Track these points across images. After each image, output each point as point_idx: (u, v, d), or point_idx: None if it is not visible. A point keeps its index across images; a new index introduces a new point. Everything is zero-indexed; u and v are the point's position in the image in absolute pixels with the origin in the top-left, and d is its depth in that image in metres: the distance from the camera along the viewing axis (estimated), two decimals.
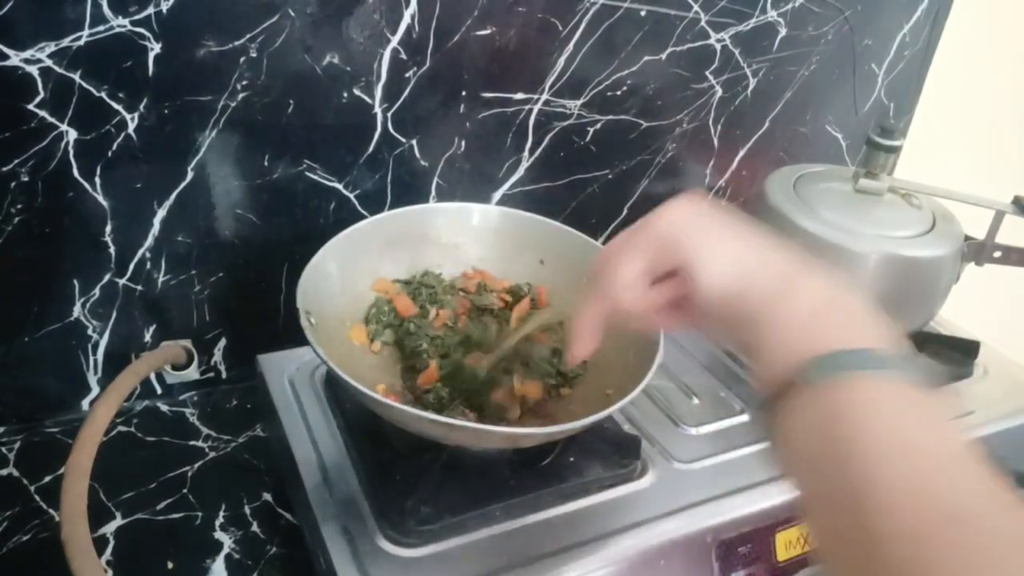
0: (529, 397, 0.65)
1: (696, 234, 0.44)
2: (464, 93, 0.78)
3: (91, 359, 0.75)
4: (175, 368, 0.77)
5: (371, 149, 0.77)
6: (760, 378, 0.40)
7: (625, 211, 0.96)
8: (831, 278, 0.42)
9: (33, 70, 0.61)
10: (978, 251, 0.78)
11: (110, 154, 0.67)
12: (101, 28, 0.62)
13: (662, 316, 0.48)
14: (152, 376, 0.78)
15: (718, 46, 0.88)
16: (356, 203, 0.79)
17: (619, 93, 0.86)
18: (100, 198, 0.68)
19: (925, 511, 0.31)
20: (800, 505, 0.37)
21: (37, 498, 0.68)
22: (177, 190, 0.71)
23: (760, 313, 0.41)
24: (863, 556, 0.32)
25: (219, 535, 0.66)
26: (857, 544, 0.32)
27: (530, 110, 0.82)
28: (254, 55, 0.67)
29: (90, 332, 0.74)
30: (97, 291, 0.72)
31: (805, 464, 0.37)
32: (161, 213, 0.71)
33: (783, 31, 0.91)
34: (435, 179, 0.82)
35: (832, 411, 0.35)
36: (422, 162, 0.80)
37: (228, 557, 0.64)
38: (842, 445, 0.34)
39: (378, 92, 0.74)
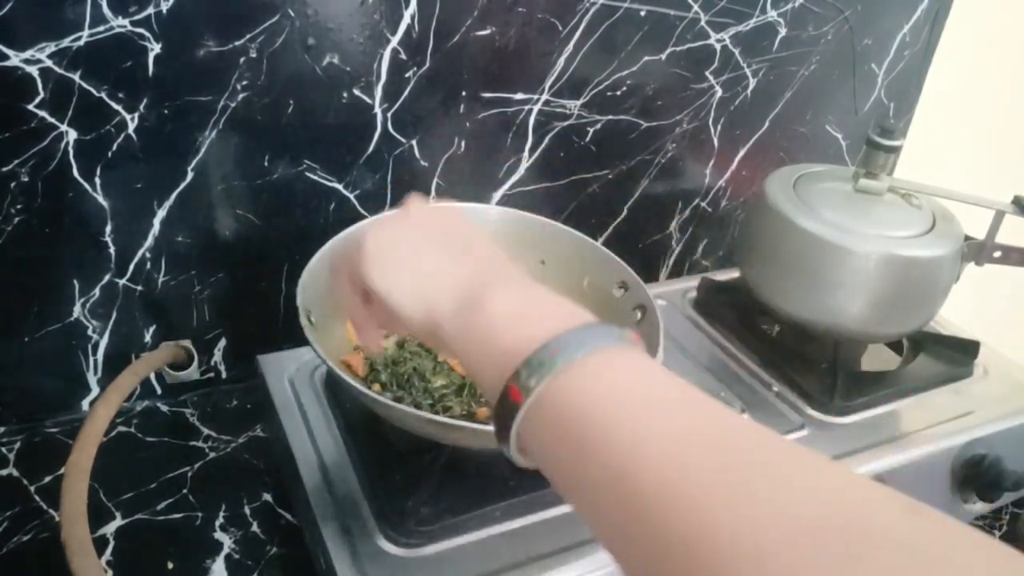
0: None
1: (380, 264, 0.44)
2: (464, 93, 0.78)
3: (91, 359, 0.75)
4: (175, 368, 0.77)
5: (371, 149, 0.77)
6: (487, 400, 0.39)
7: (625, 211, 0.96)
8: (512, 282, 0.41)
9: (33, 70, 0.61)
10: (978, 251, 0.78)
11: (110, 154, 0.67)
12: (101, 28, 0.62)
13: (387, 325, 0.49)
14: (152, 376, 0.78)
15: (718, 46, 0.88)
16: (356, 203, 0.79)
17: (619, 93, 0.86)
18: (100, 198, 0.68)
19: (702, 454, 0.30)
20: (577, 513, 0.35)
21: (37, 498, 0.68)
22: (177, 190, 0.71)
23: (459, 340, 0.40)
24: (639, 546, 0.30)
25: (219, 535, 0.66)
26: (631, 536, 0.31)
27: (530, 110, 0.82)
28: (254, 55, 0.67)
29: (90, 332, 0.74)
30: (97, 291, 0.72)
31: (557, 472, 0.35)
32: (161, 213, 0.71)
33: (783, 31, 0.91)
34: (435, 179, 0.82)
35: (565, 414, 0.33)
36: (422, 162, 0.80)
37: (228, 557, 0.64)
38: (589, 444, 0.32)
39: (378, 92, 0.74)
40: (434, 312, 0.41)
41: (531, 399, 0.34)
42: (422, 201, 0.49)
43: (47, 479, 0.69)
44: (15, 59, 0.60)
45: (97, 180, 0.67)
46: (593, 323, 0.36)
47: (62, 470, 0.57)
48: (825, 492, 0.28)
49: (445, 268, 0.43)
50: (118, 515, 0.66)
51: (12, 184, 0.64)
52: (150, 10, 0.62)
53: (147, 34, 0.63)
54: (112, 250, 0.71)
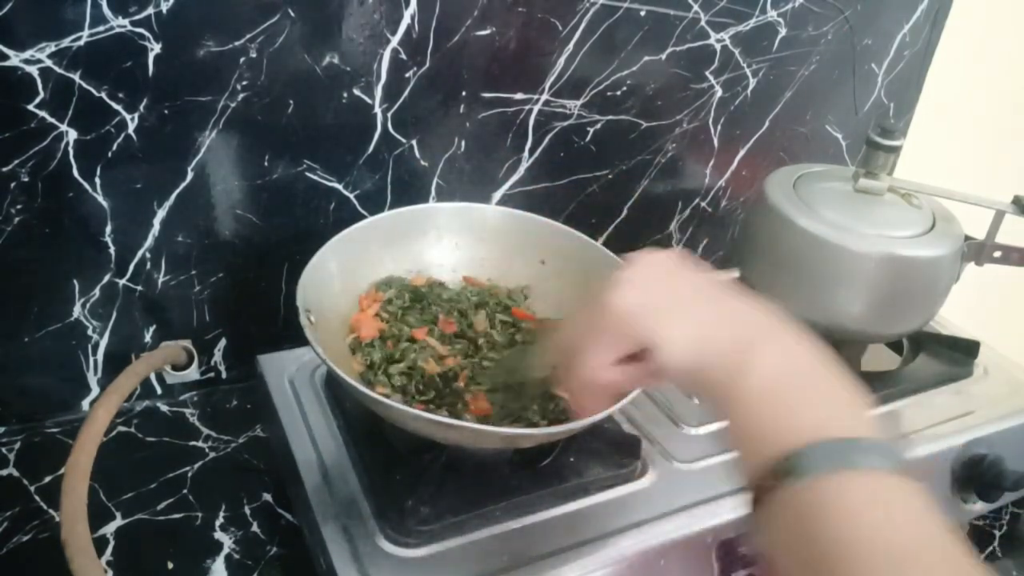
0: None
1: (651, 315, 0.43)
2: (464, 93, 0.78)
3: (91, 359, 0.75)
4: (175, 368, 0.77)
5: (371, 149, 0.77)
6: (742, 474, 0.39)
7: (625, 211, 0.96)
8: (787, 343, 0.41)
9: (33, 70, 0.61)
10: (978, 251, 0.78)
11: (110, 154, 0.67)
12: (101, 28, 0.62)
13: (642, 381, 0.48)
14: (152, 376, 0.78)
15: (718, 46, 0.88)
16: (356, 203, 0.79)
17: (619, 93, 0.86)
18: (100, 198, 0.68)
19: None
20: None
21: (37, 498, 0.68)
22: (177, 190, 0.71)
23: (724, 399, 0.39)
24: None
25: (219, 535, 0.66)
26: None
27: (530, 110, 0.82)
28: (254, 55, 0.67)
29: (90, 332, 0.74)
30: (97, 291, 0.72)
31: (787, 561, 0.35)
32: (161, 213, 0.71)
33: (783, 31, 0.91)
34: (435, 179, 0.82)
35: (810, 513, 0.34)
36: (422, 162, 0.80)
37: (228, 557, 0.64)
38: (826, 548, 0.32)
39: (378, 92, 0.74)
40: (706, 368, 0.40)
41: (785, 489, 0.35)
42: (650, 253, 0.48)
43: (47, 479, 0.69)
44: (15, 59, 0.60)
45: (97, 180, 0.67)
46: (858, 439, 0.36)
47: (62, 470, 0.57)
48: None
49: (713, 319, 0.42)
50: (118, 515, 0.66)
51: (12, 184, 0.64)
52: (150, 10, 0.62)
53: (147, 34, 0.63)
54: (112, 250, 0.71)
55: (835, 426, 0.36)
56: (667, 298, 0.44)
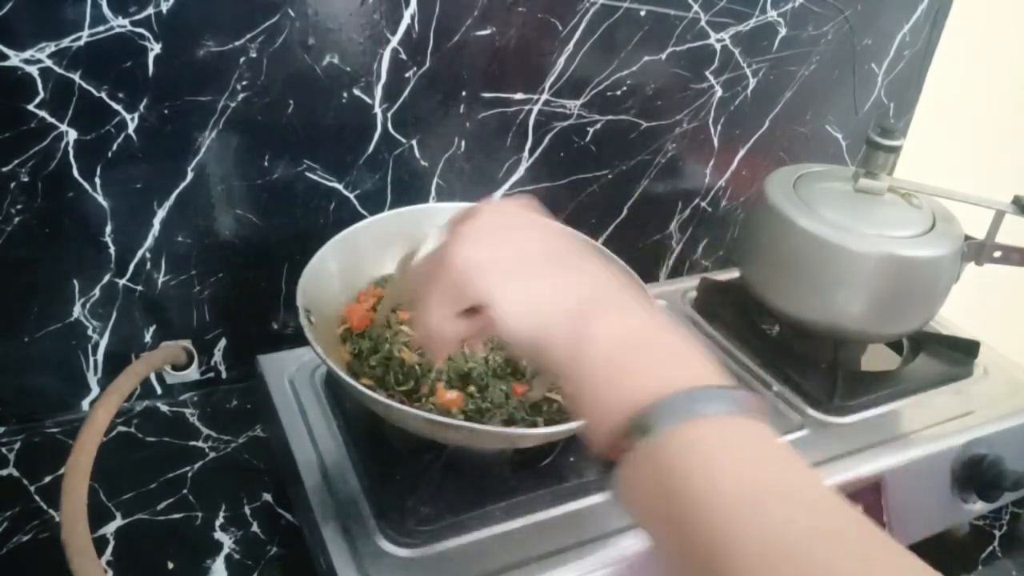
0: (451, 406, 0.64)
1: (488, 276, 0.41)
2: (464, 93, 0.78)
3: (91, 359, 0.75)
4: (175, 368, 0.77)
5: (371, 149, 0.77)
6: (589, 431, 0.38)
7: (625, 211, 0.96)
8: (627, 307, 0.40)
9: (33, 70, 0.61)
10: (978, 251, 0.78)
11: (110, 154, 0.67)
12: (101, 28, 0.62)
13: (487, 332, 0.46)
14: (152, 376, 0.78)
15: (718, 46, 0.88)
16: (356, 203, 0.79)
17: (619, 93, 0.86)
18: (100, 198, 0.68)
19: (784, 564, 0.29)
20: (655, 555, 0.35)
21: (37, 498, 0.68)
22: (177, 190, 0.71)
23: (565, 370, 0.39)
24: None
25: (219, 535, 0.66)
26: None
27: (530, 110, 0.82)
28: (254, 55, 0.67)
29: (90, 332, 0.74)
30: (97, 291, 0.72)
31: (652, 521, 0.34)
32: (161, 213, 0.71)
33: (783, 31, 0.91)
34: (435, 179, 0.82)
35: (668, 466, 0.33)
36: (422, 162, 0.80)
37: (228, 557, 0.64)
38: (687, 501, 0.32)
39: (378, 92, 0.74)
40: (545, 334, 0.39)
41: (637, 449, 0.34)
42: (495, 203, 0.46)
43: (47, 479, 0.69)
44: (15, 59, 0.60)
45: (97, 180, 0.67)
46: (701, 388, 0.35)
47: (62, 470, 0.57)
48: None
49: (551, 286, 0.41)
50: (118, 515, 0.66)
51: (12, 184, 0.64)
52: (150, 10, 0.62)
53: (147, 34, 0.63)
54: (112, 250, 0.71)
55: (679, 380, 0.35)
56: (507, 258, 0.42)
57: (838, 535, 0.31)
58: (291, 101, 0.71)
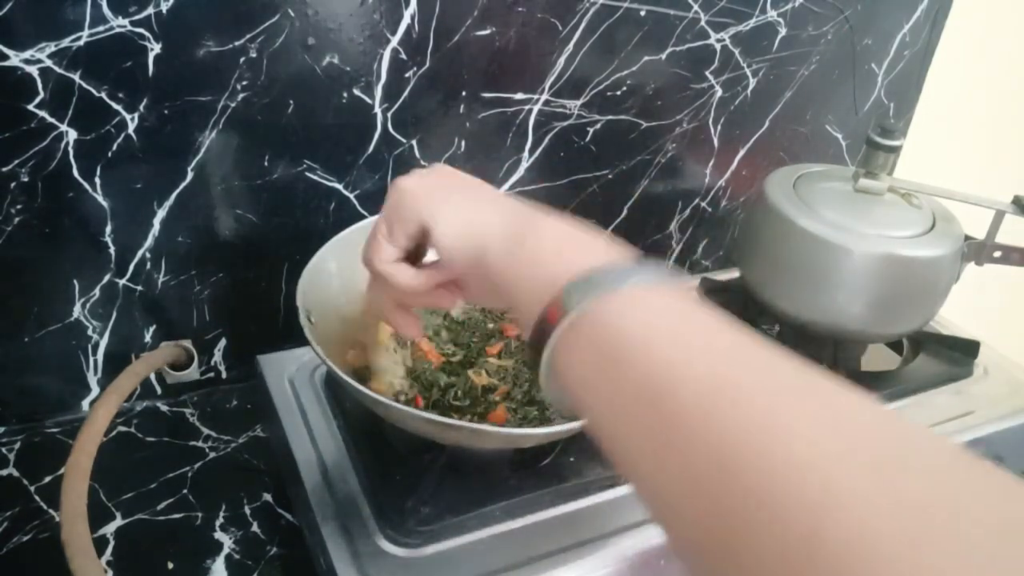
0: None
1: (427, 198, 0.45)
2: (464, 93, 0.78)
3: (91, 359, 0.75)
4: (175, 368, 0.77)
5: (371, 149, 0.77)
6: (523, 327, 0.39)
7: (625, 211, 0.96)
8: (554, 217, 0.42)
9: (33, 70, 0.61)
10: (978, 251, 0.78)
11: (110, 154, 0.67)
12: (101, 28, 0.62)
13: (438, 295, 0.49)
14: (152, 376, 0.78)
15: (718, 46, 0.88)
16: (356, 203, 0.79)
17: (619, 93, 0.86)
18: (100, 198, 0.68)
19: (737, 402, 0.28)
20: (600, 442, 0.34)
21: (37, 498, 0.68)
22: (177, 190, 0.71)
23: (505, 266, 0.40)
24: (677, 465, 0.29)
25: (219, 535, 0.66)
26: (669, 458, 0.29)
27: (530, 110, 0.82)
28: (254, 55, 0.67)
29: (90, 332, 0.74)
30: (97, 291, 0.72)
31: (589, 392, 0.34)
32: (161, 213, 0.71)
33: (783, 31, 0.91)
34: None
35: (605, 333, 0.33)
36: (422, 162, 0.80)
37: (228, 557, 0.64)
38: (624, 356, 0.32)
39: (378, 92, 0.74)
40: (483, 245, 0.42)
41: (568, 319, 0.34)
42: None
43: (47, 479, 0.69)
44: (15, 59, 0.60)
45: (97, 180, 0.67)
46: (641, 259, 0.36)
47: (62, 470, 0.57)
48: (891, 439, 0.26)
49: (491, 206, 0.44)
50: (118, 515, 0.66)
51: (12, 184, 0.64)
52: (150, 10, 0.62)
53: (147, 34, 0.63)
54: (112, 250, 0.71)
55: (607, 259, 0.36)
56: (443, 185, 0.47)
57: (775, 366, 0.30)
58: (291, 101, 0.71)
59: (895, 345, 0.89)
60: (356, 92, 0.73)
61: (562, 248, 0.39)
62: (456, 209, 0.45)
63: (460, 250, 0.43)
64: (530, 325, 0.37)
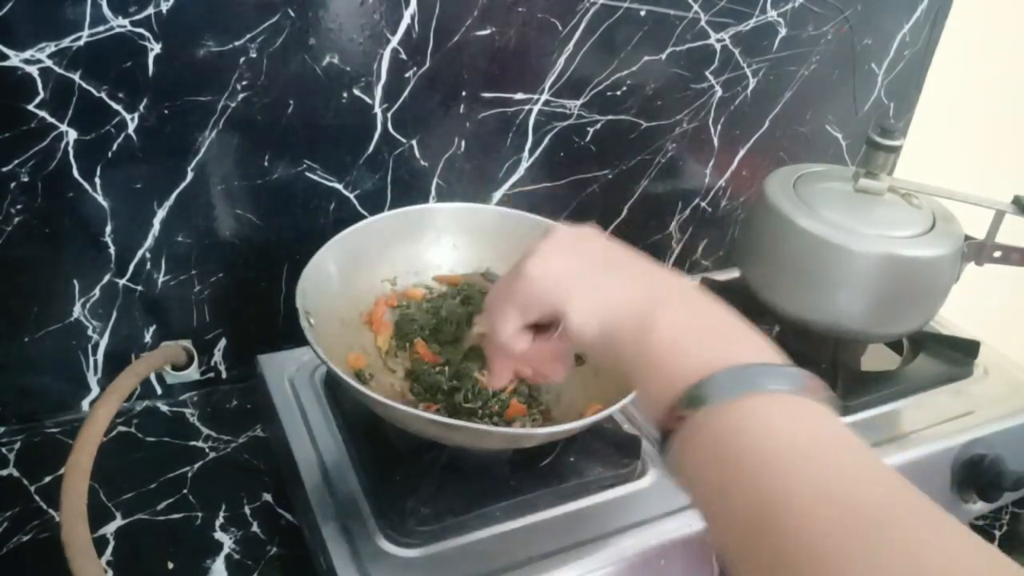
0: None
1: (556, 287, 0.45)
2: (464, 93, 0.78)
3: (91, 359, 0.75)
4: (175, 368, 0.77)
5: (371, 149, 0.77)
6: (649, 418, 0.40)
7: (625, 211, 0.96)
8: (691, 299, 0.42)
9: (33, 70, 0.61)
10: (978, 251, 0.78)
11: (110, 154, 0.67)
12: (101, 28, 0.62)
13: (554, 368, 0.51)
14: (152, 376, 0.78)
15: (718, 46, 0.88)
16: (356, 203, 0.79)
17: (619, 93, 0.86)
18: (100, 198, 0.68)
19: (844, 514, 0.29)
20: (711, 535, 0.36)
21: (37, 498, 0.68)
22: (177, 190, 0.71)
23: (632, 355, 0.40)
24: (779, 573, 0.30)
25: (219, 535, 0.66)
26: (772, 564, 0.31)
27: (530, 110, 0.82)
28: (254, 55, 0.67)
29: (90, 332, 0.74)
30: (97, 291, 0.72)
31: (708, 492, 0.35)
32: (161, 213, 0.71)
33: (783, 31, 0.91)
34: (435, 179, 0.82)
35: (724, 434, 0.34)
36: (422, 162, 0.80)
37: (228, 557, 0.64)
38: (744, 464, 0.33)
39: (378, 92, 0.74)
40: (612, 330, 0.42)
41: (682, 430, 0.35)
42: (566, 227, 0.50)
43: (47, 479, 0.69)
44: (15, 59, 0.60)
45: (97, 180, 0.67)
46: (761, 364, 0.36)
47: (62, 470, 0.57)
48: None
49: (623, 285, 0.44)
50: (118, 515, 0.66)
51: (12, 184, 0.64)
52: (150, 10, 0.62)
53: (147, 34, 0.63)
54: (112, 250, 0.71)
55: (742, 356, 0.37)
56: (577, 266, 0.46)
57: (892, 491, 0.31)
58: (291, 101, 0.71)
59: (895, 345, 0.89)
60: (356, 92, 0.73)
61: (680, 347, 0.39)
62: (587, 292, 0.44)
63: (590, 335, 0.43)
64: (655, 417, 0.38)
